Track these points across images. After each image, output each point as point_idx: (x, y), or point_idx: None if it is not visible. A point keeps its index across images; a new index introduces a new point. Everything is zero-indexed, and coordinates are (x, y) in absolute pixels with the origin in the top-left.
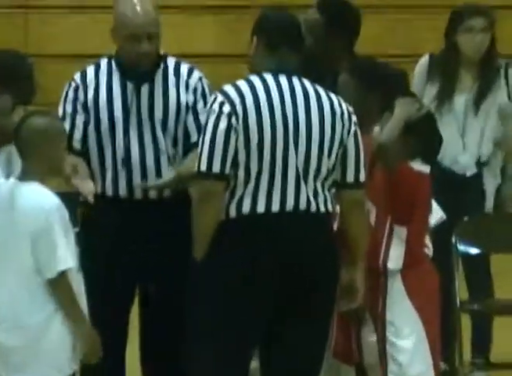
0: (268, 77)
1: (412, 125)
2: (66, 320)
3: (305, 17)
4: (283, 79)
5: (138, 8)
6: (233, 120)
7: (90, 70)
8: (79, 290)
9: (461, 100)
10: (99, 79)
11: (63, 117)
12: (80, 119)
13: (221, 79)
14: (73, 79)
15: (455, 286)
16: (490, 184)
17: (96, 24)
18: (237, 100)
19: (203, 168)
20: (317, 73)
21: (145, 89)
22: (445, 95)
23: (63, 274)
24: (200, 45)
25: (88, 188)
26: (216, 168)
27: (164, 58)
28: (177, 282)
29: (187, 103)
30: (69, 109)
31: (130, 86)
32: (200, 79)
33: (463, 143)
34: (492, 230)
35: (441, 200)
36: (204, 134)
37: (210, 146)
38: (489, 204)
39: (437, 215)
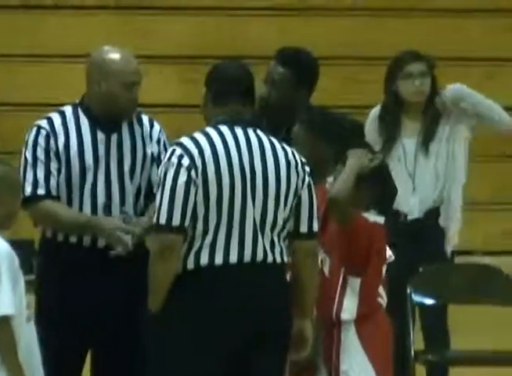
0: (224, 129)
1: (365, 177)
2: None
3: (270, 71)
4: (238, 131)
5: (127, 56)
6: (193, 173)
7: (56, 118)
8: (30, 340)
9: (410, 144)
10: (68, 127)
11: (34, 164)
12: (53, 166)
13: (179, 129)
14: (39, 126)
15: (409, 336)
16: (450, 226)
17: (57, 73)
18: (196, 153)
19: (163, 221)
20: (272, 124)
21: (114, 139)
22: (392, 141)
23: (4, 319)
24: (158, 95)
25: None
26: (176, 221)
27: None
28: (128, 340)
29: (152, 154)
30: (41, 156)
31: (100, 136)
32: (161, 130)
33: (413, 186)
34: (447, 280)
35: (396, 246)
36: (163, 187)
37: (169, 200)
38: (449, 247)
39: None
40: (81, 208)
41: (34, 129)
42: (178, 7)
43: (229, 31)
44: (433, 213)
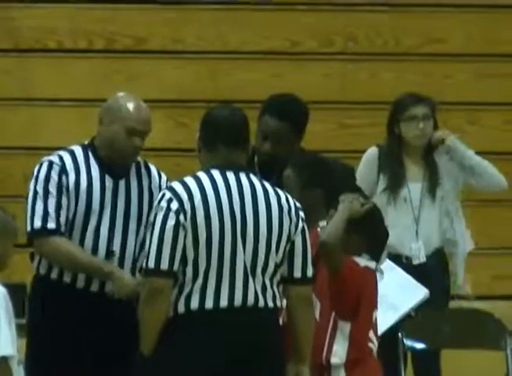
0: (216, 174)
1: (356, 222)
2: None
3: (269, 127)
4: (230, 175)
5: (140, 104)
6: (181, 217)
7: (66, 156)
8: None
9: (415, 189)
10: (79, 166)
11: (45, 197)
12: (64, 202)
13: (170, 173)
14: (51, 161)
15: None
16: (459, 270)
17: (46, 116)
18: (185, 197)
19: (152, 265)
20: (264, 169)
21: (122, 186)
22: (396, 184)
23: (3, 360)
24: (149, 138)
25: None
26: (164, 265)
27: None
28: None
29: None
30: (53, 190)
31: (109, 180)
32: (167, 181)
33: (417, 231)
34: (439, 326)
35: None
36: (152, 231)
37: (158, 244)
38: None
39: (421, 293)
40: (82, 244)
41: (46, 164)
42: (171, 51)
43: (222, 75)
44: (436, 256)
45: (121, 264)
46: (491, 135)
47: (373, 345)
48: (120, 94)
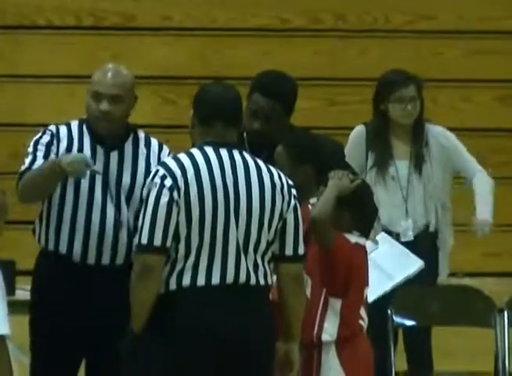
0: (209, 151)
1: (346, 198)
2: None
3: (259, 106)
4: (223, 152)
5: (110, 71)
6: (175, 193)
7: (63, 128)
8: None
9: (403, 167)
10: (72, 138)
11: (34, 152)
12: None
13: None
14: (47, 129)
15: (391, 358)
16: (442, 250)
17: (33, 93)
18: (178, 174)
19: (144, 241)
20: (254, 147)
21: (114, 156)
22: (383, 163)
23: (0, 339)
24: (139, 115)
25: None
26: (157, 241)
27: (133, 129)
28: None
29: None
30: (42, 147)
31: (100, 151)
32: (169, 153)
33: (406, 209)
34: (428, 302)
35: None
36: (146, 207)
37: (151, 220)
38: (443, 272)
39: (416, 264)
40: (74, 218)
41: (41, 132)
42: (160, 28)
43: (211, 52)
44: (425, 235)
45: (115, 238)
46: (482, 111)
47: (364, 323)
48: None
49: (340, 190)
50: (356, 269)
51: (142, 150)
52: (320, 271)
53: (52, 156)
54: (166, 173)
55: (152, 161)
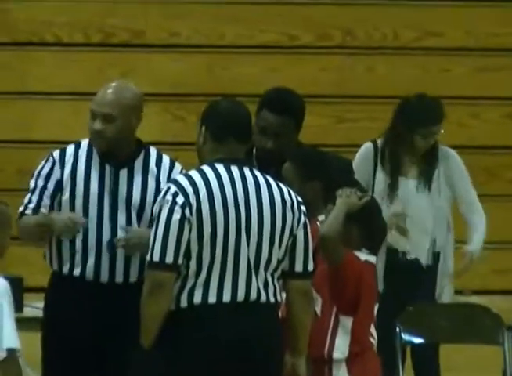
0: (220, 168)
1: (354, 215)
2: None
3: (269, 123)
4: (234, 169)
5: (110, 89)
6: (187, 211)
7: (69, 148)
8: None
9: (410, 184)
10: (78, 157)
11: (33, 189)
12: (47, 195)
13: None
14: (51, 154)
15: (399, 374)
16: (445, 272)
17: (41, 110)
18: (190, 191)
19: (156, 258)
20: (262, 163)
21: (123, 175)
22: (393, 182)
23: (11, 353)
24: (146, 133)
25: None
26: (169, 258)
27: (145, 146)
28: None
29: None
30: (40, 183)
31: (108, 170)
32: (182, 171)
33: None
34: (436, 320)
35: (391, 286)
36: (157, 224)
37: (163, 237)
38: (437, 295)
39: None
40: (85, 240)
41: (45, 159)
42: (167, 44)
43: (219, 69)
44: (429, 254)
45: (127, 255)
46: (490, 129)
47: (374, 340)
48: None
49: (349, 208)
50: (366, 286)
51: (153, 167)
52: (330, 288)
53: (44, 212)
54: (178, 190)
55: (162, 179)
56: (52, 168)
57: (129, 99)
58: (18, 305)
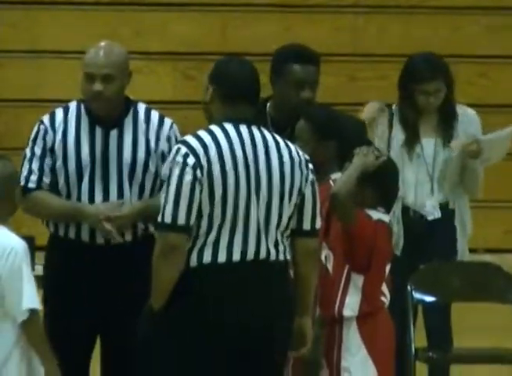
0: (229, 128)
1: (370, 174)
2: (37, 359)
3: (309, 75)
4: (243, 129)
5: (101, 49)
6: (198, 172)
7: (59, 113)
8: None
9: (429, 144)
10: (68, 123)
11: (31, 159)
12: (47, 163)
13: (178, 126)
14: (42, 122)
15: (410, 334)
16: (462, 229)
17: (52, 69)
18: (201, 152)
19: (168, 220)
20: (278, 122)
21: (113, 135)
22: (411, 142)
23: (33, 313)
24: (157, 92)
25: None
26: (181, 220)
27: (134, 103)
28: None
29: (162, 153)
30: (38, 151)
31: (99, 131)
32: (172, 126)
33: (431, 187)
34: (448, 279)
35: (406, 245)
36: (168, 186)
37: (175, 199)
38: (460, 255)
39: None
40: (79, 198)
41: (37, 125)
42: (180, 3)
43: (231, 28)
44: (448, 212)
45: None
46: (501, 88)
47: (385, 299)
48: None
49: (366, 167)
50: (378, 245)
51: (142, 124)
52: (343, 247)
53: (74, 205)
54: (188, 151)
55: (151, 136)
56: (44, 136)
57: (122, 58)
58: (31, 265)
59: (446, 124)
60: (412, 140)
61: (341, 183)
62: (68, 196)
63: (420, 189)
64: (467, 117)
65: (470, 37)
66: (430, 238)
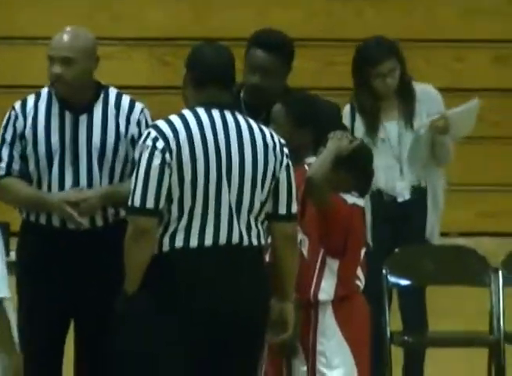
0: (201, 112)
1: (344, 159)
2: None
3: (258, 60)
4: (215, 113)
5: (65, 33)
6: (167, 156)
7: (30, 99)
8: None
9: (392, 127)
10: (38, 108)
11: (1, 146)
12: (17, 149)
13: (154, 112)
14: (13, 108)
15: (385, 318)
16: (430, 211)
17: (28, 55)
18: (171, 136)
19: (137, 203)
20: (251, 107)
21: (83, 120)
22: (373, 128)
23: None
24: (134, 77)
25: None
26: (150, 203)
27: (104, 88)
28: (109, 314)
29: (132, 137)
30: (8, 138)
31: (68, 117)
32: (142, 111)
33: (400, 169)
34: (422, 262)
35: (378, 228)
36: (138, 170)
37: (144, 182)
38: (428, 233)
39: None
40: (49, 189)
41: (8, 112)
42: None
43: (206, 13)
44: (421, 193)
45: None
46: (478, 72)
47: (361, 283)
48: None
49: (339, 151)
50: (353, 229)
51: (112, 109)
52: (318, 231)
53: (36, 193)
54: (158, 135)
55: (121, 120)
56: (15, 122)
57: (85, 42)
58: (5, 251)
59: (406, 105)
60: (373, 126)
61: (316, 167)
62: (39, 181)
63: (390, 172)
64: (428, 95)
65: (445, 21)
66: (404, 220)
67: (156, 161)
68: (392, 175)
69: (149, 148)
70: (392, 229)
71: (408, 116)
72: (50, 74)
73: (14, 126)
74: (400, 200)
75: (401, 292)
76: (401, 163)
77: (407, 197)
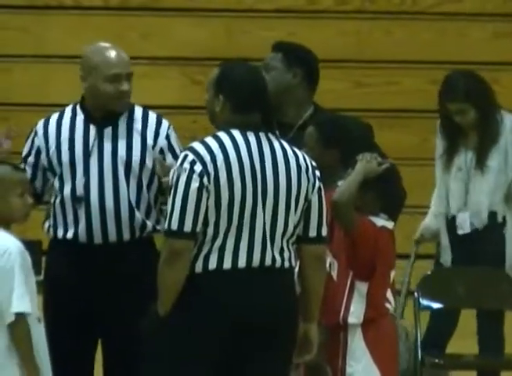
0: (236, 134)
1: (372, 181)
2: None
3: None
4: (250, 135)
5: (118, 52)
6: (205, 179)
7: (54, 116)
8: (39, 341)
9: (467, 157)
10: (62, 123)
11: (24, 161)
12: (29, 164)
13: (185, 131)
14: (35, 128)
15: (416, 340)
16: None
17: (59, 74)
18: (208, 159)
19: (174, 227)
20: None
21: (108, 132)
22: (449, 153)
23: (20, 317)
24: (165, 97)
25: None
26: (188, 227)
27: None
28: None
29: (161, 149)
30: (24, 153)
31: (93, 129)
32: (170, 127)
33: (465, 201)
34: (453, 285)
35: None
36: (175, 193)
37: (181, 206)
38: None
39: None
40: (73, 200)
41: (32, 129)
42: (185, 8)
43: (237, 33)
44: (492, 225)
45: (117, 213)
46: (510, 94)
47: (390, 305)
48: (94, 44)
49: (367, 173)
50: (382, 252)
51: (137, 125)
52: (345, 253)
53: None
54: (195, 158)
55: (148, 135)
56: (33, 140)
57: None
58: (37, 269)
59: (482, 138)
60: (448, 152)
61: (342, 190)
62: (61, 193)
63: (454, 201)
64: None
65: (476, 44)
66: (467, 253)
67: (194, 185)
68: (456, 205)
69: (187, 171)
70: (466, 255)
71: (479, 151)
72: (115, 91)
73: (32, 143)
74: (459, 232)
75: (432, 315)
76: (466, 196)
77: (466, 230)
